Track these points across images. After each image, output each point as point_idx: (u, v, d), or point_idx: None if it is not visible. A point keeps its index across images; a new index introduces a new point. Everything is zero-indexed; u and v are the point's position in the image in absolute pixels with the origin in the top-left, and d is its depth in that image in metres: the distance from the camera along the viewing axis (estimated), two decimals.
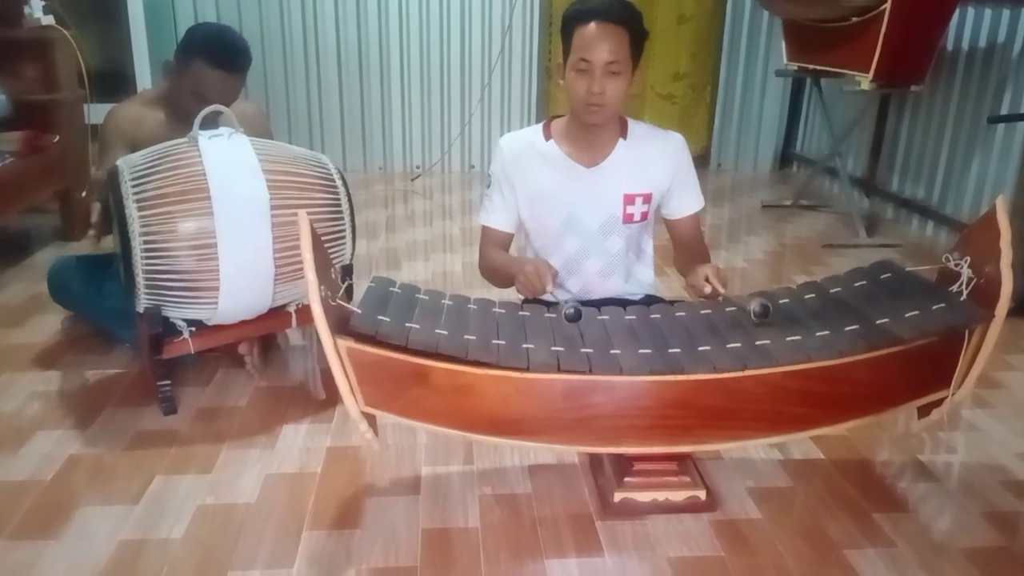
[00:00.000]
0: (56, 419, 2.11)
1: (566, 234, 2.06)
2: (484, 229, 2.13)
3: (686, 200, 2.09)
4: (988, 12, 3.61)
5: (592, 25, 1.86)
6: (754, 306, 1.67)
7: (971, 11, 3.70)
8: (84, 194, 3.25)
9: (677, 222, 2.12)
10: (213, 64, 2.22)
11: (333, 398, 2.11)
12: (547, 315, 1.77)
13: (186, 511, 1.74)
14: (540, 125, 2.09)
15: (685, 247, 2.13)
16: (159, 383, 2.13)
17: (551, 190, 2.03)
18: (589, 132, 1.99)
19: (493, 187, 2.08)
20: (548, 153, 2.04)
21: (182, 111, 2.27)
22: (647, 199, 2.05)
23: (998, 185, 3.48)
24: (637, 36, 1.89)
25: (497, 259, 2.09)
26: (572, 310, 1.65)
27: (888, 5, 3.32)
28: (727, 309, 1.80)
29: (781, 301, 1.82)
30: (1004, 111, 3.47)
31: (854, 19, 3.55)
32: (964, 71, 3.75)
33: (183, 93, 2.28)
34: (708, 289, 1.80)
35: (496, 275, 2.09)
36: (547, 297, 1.83)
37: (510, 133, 2.13)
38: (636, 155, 2.03)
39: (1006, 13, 3.51)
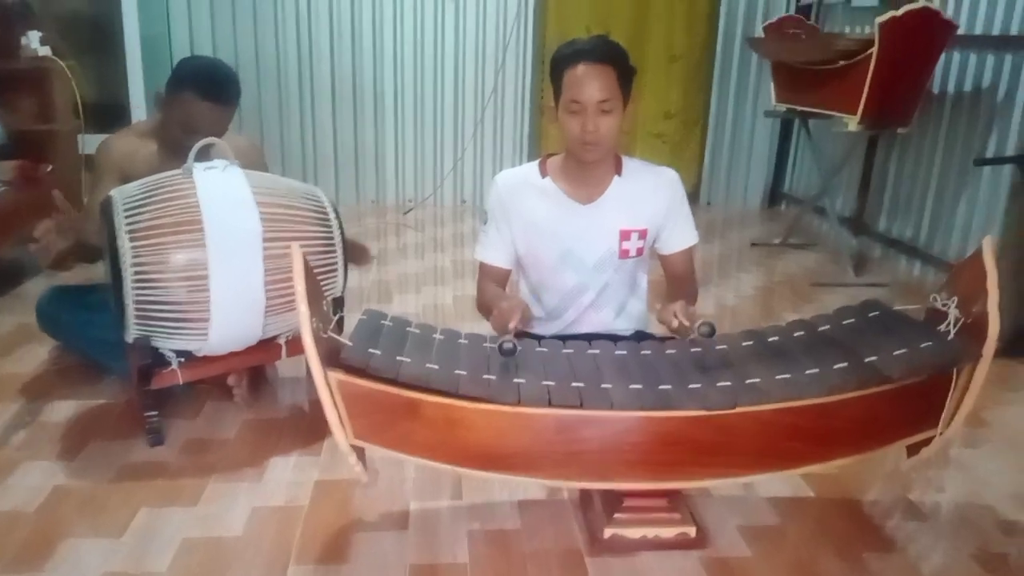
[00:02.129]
0: (43, 450, 2.09)
1: (563, 269, 2.07)
2: (481, 265, 2.14)
3: (679, 235, 2.11)
4: (973, 57, 3.68)
5: (580, 67, 1.89)
6: (699, 326, 1.68)
7: (956, 55, 3.76)
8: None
9: (670, 257, 2.13)
10: (202, 96, 2.24)
11: (322, 430, 2.09)
12: (538, 349, 1.77)
13: (172, 544, 1.72)
14: (536, 162, 2.11)
15: (675, 282, 2.14)
16: (147, 414, 2.12)
17: (547, 226, 2.04)
18: (585, 169, 2.01)
19: (490, 223, 2.09)
20: (544, 189, 2.05)
21: (173, 143, 2.29)
22: (642, 235, 2.06)
23: (984, 226, 3.52)
24: (625, 73, 1.92)
25: (488, 296, 2.09)
26: (510, 344, 1.63)
27: (875, 49, 3.37)
28: (718, 347, 1.81)
29: (770, 339, 1.83)
30: (990, 153, 3.52)
31: (841, 62, 3.61)
32: (951, 114, 3.81)
33: (173, 125, 2.29)
34: (675, 324, 1.80)
35: (486, 312, 2.09)
36: (537, 332, 1.83)
37: (506, 170, 2.15)
38: (631, 191, 2.05)
39: (990, 58, 3.57)
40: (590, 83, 1.88)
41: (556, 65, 1.94)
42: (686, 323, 1.77)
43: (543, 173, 2.07)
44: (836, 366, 1.64)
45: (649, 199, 2.06)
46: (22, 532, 1.75)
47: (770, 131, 5.32)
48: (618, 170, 2.06)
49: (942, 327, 1.69)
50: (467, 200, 5.23)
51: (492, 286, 2.10)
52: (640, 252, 2.09)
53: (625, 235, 2.05)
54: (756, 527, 1.85)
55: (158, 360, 2.08)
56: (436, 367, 1.57)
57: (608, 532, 1.74)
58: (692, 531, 1.76)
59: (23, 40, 3.47)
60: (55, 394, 2.40)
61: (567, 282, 2.09)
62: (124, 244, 1.92)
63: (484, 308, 2.10)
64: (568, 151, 2.01)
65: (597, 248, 2.06)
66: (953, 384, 1.67)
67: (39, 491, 1.90)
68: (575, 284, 2.09)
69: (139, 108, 4.36)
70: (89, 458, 2.06)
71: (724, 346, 1.81)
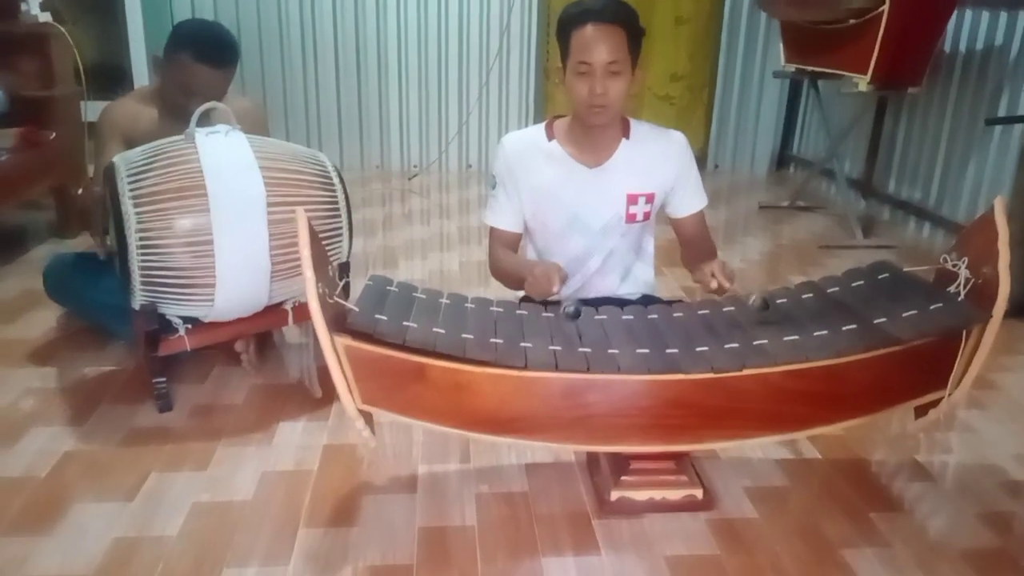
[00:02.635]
0: (51, 415, 2.10)
1: (570, 234, 2.06)
2: (492, 230, 2.12)
3: (689, 198, 2.09)
4: (986, 14, 3.62)
5: (589, 27, 1.85)
6: (754, 300, 1.70)
7: (969, 13, 3.70)
8: (80, 191, 3.25)
9: (682, 220, 2.12)
10: (199, 59, 2.23)
11: (330, 395, 2.10)
12: (545, 314, 1.76)
13: (181, 508, 1.74)
14: (542, 125, 2.08)
15: (692, 244, 2.13)
16: (155, 380, 2.12)
17: (554, 190, 2.02)
18: (592, 132, 1.99)
19: (498, 187, 2.07)
20: (551, 153, 2.03)
21: (172, 106, 2.29)
22: (650, 199, 2.05)
23: (995, 187, 3.49)
24: (634, 34, 1.89)
25: (507, 261, 2.08)
26: (572, 308, 1.66)
27: (886, 7, 3.32)
28: (725, 309, 1.80)
29: (779, 301, 1.82)
30: (1001, 113, 3.48)
31: (852, 21, 3.55)
32: (961, 73, 3.76)
33: (172, 89, 2.28)
34: (715, 284, 1.80)
35: (507, 277, 2.07)
36: (554, 297, 1.83)
37: (512, 132, 2.12)
38: (639, 155, 2.03)
39: (1003, 15, 3.51)
40: (599, 44, 1.84)
41: (564, 25, 1.91)
42: (725, 283, 1.77)
43: (550, 136, 2.05)
44: (845, 328, 1.63)
45: (657, 163, 2.04)
46: (32, 497, 1.77)
47: (778, 93, 5.25)
48: (626, 133, 2.04)
49: (952, 288, 1.68)
50: (473, 165, 5.20)
51: (506, 251, 2.09)
52: (647, 216, 2.08)
53: (632, 199, 2.04)
54: (763, 489, 1.86)
55: (165, 326, 2.08)
56: (443, 331, 1.57)
57: (615, 494, 1.75)
58: (699, 493, 1.76)
59: (23, 5, 3.43)
60: (63, 360, 2.41)
61: (574, 247, 2.08)
62: (128, 210, 1.91)
63: (501, 273, 2.09)
64: (575, 114, 1.98)
65: (604, 212, 2.04)
66: (962, 345, 1.67)
67: (49, 456, 1.91)
68: (582, 249, 2.08)
69: (141, 73, 4.33)
70: (98, 423, 2.07)
71: (731, 308, 1.80)
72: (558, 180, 2.02)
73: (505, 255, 2.08)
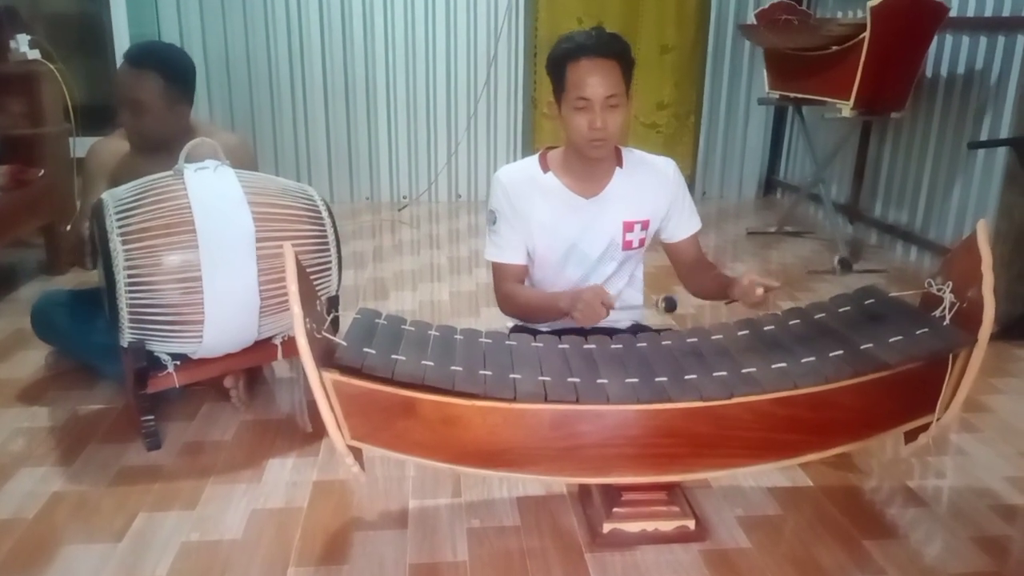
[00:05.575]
0: (39, 455, 2.09)
1: (567, 264, 2.07)
2: (498, 266, 2.10)
3: (684, 222, 2.12)
4: (966, 39, 3.66)
5: (584, 61, 1.86)
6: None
7: (949, 38, 3.75)
8: (68, 228, 3.24)
9: (678, 245, 2.14)
10: (124, 60, 2.30)
11: (319, 431, 2.08)
12: (534, 344, 1.76)
13: (170, 548, 1.72)
14: (535, 157, 2.09)
15: (694, 267, 2.15)
16: (143, 418, 2.11)
17: (552, 223, 2.03)
18: (588, 164, 2.00)
19: (500, 222, 2.06)
20: (547, 186, 2.04)
21: (131, 135, 2.37)
22: (645, 226, 2.06)
23: (979, 210, 3.51)
24: (628, 66, 1.91)
25: (528, 296, 2.06)
26: (665, 303, 1.71)
27: (867, 34, 3.36)
28: (713, 337, 1.80)
29: (766, 328, 1.82)
30: (984, 136, 3.51)
31: (834, 48, 3.59)
32: (944, 97, 3.80)
33: (120, 111, 2.35)
34: (760, 291, 1.80)
35: (530, 311, 2.04)
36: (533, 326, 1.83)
37: (506, 166, 2.12)
38: (633, 183, 2.04)
39: (983, 40, 3.56)
40: (597, 79, 1.85)
41: (558, 60, 1.91)
42: (773, 283, 1.80)
43: (544, 168, 2.06)
44: (832, 354, 1.64)
45: (651, 190, 2.06)
46: (21, 539, 1.75)
47: (764, 120, 5.30)
48: (619, 162, 2.06)
49: (937, 312, 1.69)
50: (462, 195, 5.22)
51: (520, 286, 2.08)
52: (642, 243, 2.10)
53: (628, 227, 2.05)
54: (755, 518, 1.85)
55: (154, 363, 2.07)
56: (431, 364, 1.57)
57: (607, 527, 1.74)
58: (691, 524, 1.75)
59: (11, 44, 3.45)
60: (51, 399, 2.39)
61: (570, 277, 2.08)
62: (116, 247, 1.91)
63: (521, 309, 2.07)
64: (571, 146, 1.99)
65: (601, 241, 2.05)
66: (949, 369, 1.67)
67: (37, 497, 1.90)
68: (578, 278, 2.08)
69: None
70: (86, 463, 2.05)
71: (720, 336, 1.81)
72: (556, 212, 2.03)
73: (521, 290, 2.06)
